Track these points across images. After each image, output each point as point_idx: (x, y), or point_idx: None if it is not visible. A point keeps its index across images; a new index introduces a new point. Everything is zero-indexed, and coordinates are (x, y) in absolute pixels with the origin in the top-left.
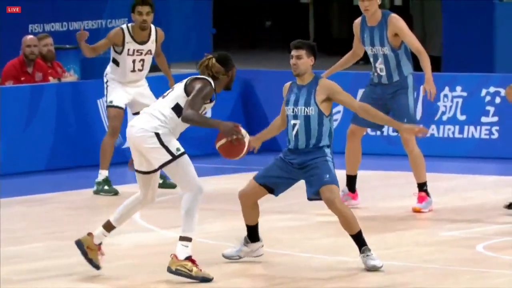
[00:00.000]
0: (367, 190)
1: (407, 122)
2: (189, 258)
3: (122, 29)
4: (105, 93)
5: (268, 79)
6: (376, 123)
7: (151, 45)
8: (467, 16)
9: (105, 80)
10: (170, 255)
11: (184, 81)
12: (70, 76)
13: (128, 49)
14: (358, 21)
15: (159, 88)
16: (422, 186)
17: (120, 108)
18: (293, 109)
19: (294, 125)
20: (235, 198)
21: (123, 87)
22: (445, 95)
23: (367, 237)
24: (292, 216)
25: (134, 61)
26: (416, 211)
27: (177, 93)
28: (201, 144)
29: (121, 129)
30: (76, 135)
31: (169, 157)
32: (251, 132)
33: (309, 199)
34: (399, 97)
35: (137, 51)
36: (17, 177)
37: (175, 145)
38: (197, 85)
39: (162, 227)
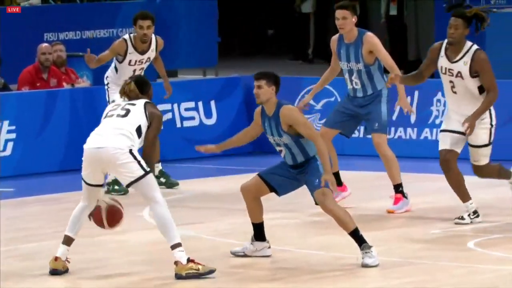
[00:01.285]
0: (359, 190)
1: (378, 126)
2: (189, 260)
3: (125, 40)
4: (107, 94)
5: None
6: (345, 129)
7: (151, 53)
8: None
9: (105, 82)
10: (174, 262)
11: (141, 104)
12: (83, 82)
13: (130, 60)
14: (335, 37)
15: (162, 93)
16: (397, 188)
17: None
18: (272, 138)
19: (280, 150)
20: (241, 198)
21: None
22: (438, 100)
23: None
24: (287, 214)
25: (134, 70)
26: (390, 212)
27: (138, 116)
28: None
29: None
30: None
31: (142, 172)
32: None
33: (316, 204)
34: (372, 105)
35: (139, 61)
36: (33, 177)
37: (143, 161)
38: (157, 118)
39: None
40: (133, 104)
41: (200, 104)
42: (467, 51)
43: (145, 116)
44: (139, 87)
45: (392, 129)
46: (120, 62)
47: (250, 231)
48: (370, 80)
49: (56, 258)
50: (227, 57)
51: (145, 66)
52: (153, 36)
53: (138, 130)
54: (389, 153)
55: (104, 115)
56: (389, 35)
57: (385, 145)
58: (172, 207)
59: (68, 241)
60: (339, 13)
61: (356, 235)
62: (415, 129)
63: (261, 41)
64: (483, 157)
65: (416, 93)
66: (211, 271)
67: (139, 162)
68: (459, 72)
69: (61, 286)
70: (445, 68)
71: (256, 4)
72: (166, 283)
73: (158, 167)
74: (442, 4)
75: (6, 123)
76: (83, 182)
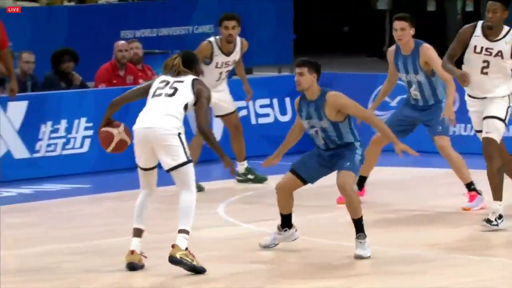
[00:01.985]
0: (431, 187)
1: (441, 129)
2: (187, 249)
3: (210, 42)
4: None
5: (346, 81)
6: (399, 137)
7: (236, 55)
8: None
9: None
10: (172, 245)
11: (189, 81)
12: None
13: (217, 62)
14: (392, 49)
15: (239, 91)
16: (469, 186)
17: None
18: (308, 122)
19: (315, 135)
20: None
21: None
22: None
23: (424, 232)
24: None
25: (221, 73)
26: (465, 210)
27: (185, 94)
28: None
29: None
30: None
31: (185, 160)
32: None
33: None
34: (433, 109)
35: (225, 63)
36: (110, 174)
37: (187, 149)
38: (205, 93)
39: (246, 221)
40: (181, 82)
41: (275, 101)
42: (508, 32)
43: (192, 93)
44: (185, 63)
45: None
46: (207, 64)
47: (323, 225)
48: (432, 91)
49: (132, 252)
50: (302, 54)
51: (231, 68)
52: (238, 37)
53: (185, 107)
54: (454, 154)
55: (151, 93)
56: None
57: (449, 147)
58: (250, 203)
59: (138, 233)
60: (397, 24)
61: (359, 222)
62: None
63: (337, 38)
64: (496, 130)
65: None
66: (203, 270)
67: (184, 149)
68: (499, 51)
69: (140, 282)
70: (481, 47)
71: (332, 1)
72: (237, 280)
73: (244, 164)
74: None
75: (83, 120)
76: (138, 169)
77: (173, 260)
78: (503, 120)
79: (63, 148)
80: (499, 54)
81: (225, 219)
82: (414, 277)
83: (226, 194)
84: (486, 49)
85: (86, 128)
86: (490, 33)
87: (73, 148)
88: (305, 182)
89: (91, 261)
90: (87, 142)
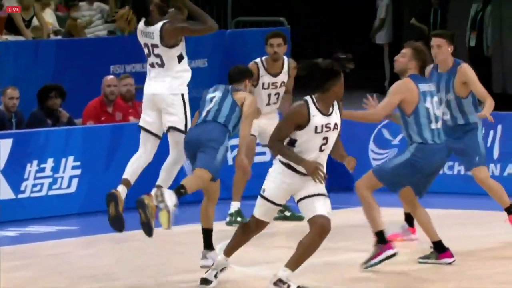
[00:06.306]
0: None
1: (479, 160)
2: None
3: (256, 63)
4: None
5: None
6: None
7: (284, 76)
8: None
9: None
10: (148, 193)
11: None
12: None
13: (263, 83)
14: (429, 67)
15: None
16: (509, 210)
17: (253, 135)
18: None
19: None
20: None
21: None
22: None
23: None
24: None
25: (269, 95)
26: None
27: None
28: None
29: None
30: (156, 172)
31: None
32: None
33: None
34: (467, 138)
35: (272, 84)
36: (98, 215)
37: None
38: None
39: (243, 265)
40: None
41: None
42: None
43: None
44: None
45: None
46: (255, 86)
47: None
48: (461, 112)
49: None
50: (300, 92)
51: (280, 91)
52: (285, 58)
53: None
54: (495, 183)
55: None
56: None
57: (489, 178)
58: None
59: (127, 183)
60: (434, 41)
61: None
62: (498, 165)
63: None
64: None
65: (499, 127)
66: (149, 231)
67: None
68: None
69: None
70: None
71: (331, 34)
72: None
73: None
74: None
75: (71, 158)
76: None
77: (139, 201)
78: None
79: (50, 188)
80: None
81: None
82: None
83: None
84: None
85: (74, 167)
86: None
87: (60, 188)
88: None
89: None
90: (75, 181)
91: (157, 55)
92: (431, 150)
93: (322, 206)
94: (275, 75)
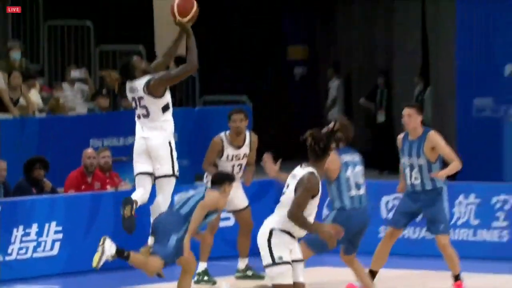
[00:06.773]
0: None
1: (444, 228)
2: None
3: (220, 136)
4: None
5: None
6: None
7: (246, 148)
8: (478, 135)
9: (205, 181)
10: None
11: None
12: (126, 185)
13: (228, 155)
14: (401, 136)
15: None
16: (457, 277)
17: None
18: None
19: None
20: None
21: None
22: (460, 202)
23: None
24: None
25: (233, 166)
26: None
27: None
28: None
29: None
30: (131, 238)
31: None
32: None
33: None
34: (434, 205)
35: (235, 156)
36: (79, 275)
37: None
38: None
39: None
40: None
41: None
42: None
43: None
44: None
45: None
46: (219, 158)
47: None
48: (430, 177)
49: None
50: (294, 161)
51: (243, 162)
52: (247, 132)
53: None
54: (453, 251)
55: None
56: (375, 145)
57: (450, 245)
58: None
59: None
60: (405, 111)
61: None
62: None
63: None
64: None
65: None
66: (130, 228)
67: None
68: None
69: None
70: None
71: (289, 112)
72: None
73: (246, 261)
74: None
75: (54, 224)
76: None
77: (126, 198)
78: None
79: (34, 251)
80: None
81: None
82: None
83: None
84: None
85: (56, 232)
86: None
87: (44, 251)
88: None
89: None
90: (57, 245)
91: (143, 106)
92: (349, 216)
93: (302, 272)
94: (238, 147)
